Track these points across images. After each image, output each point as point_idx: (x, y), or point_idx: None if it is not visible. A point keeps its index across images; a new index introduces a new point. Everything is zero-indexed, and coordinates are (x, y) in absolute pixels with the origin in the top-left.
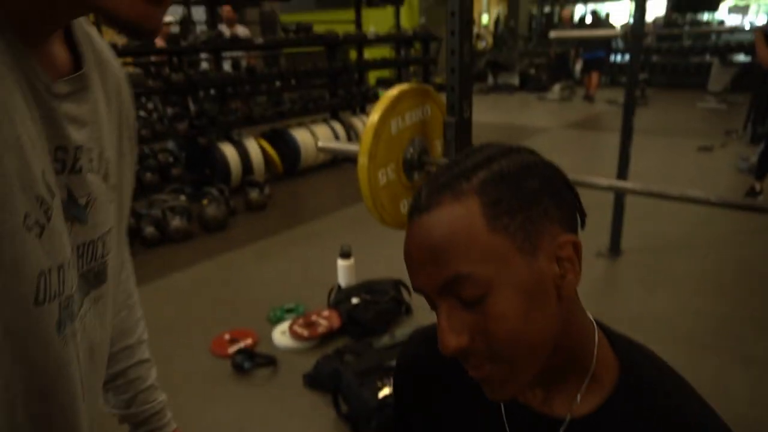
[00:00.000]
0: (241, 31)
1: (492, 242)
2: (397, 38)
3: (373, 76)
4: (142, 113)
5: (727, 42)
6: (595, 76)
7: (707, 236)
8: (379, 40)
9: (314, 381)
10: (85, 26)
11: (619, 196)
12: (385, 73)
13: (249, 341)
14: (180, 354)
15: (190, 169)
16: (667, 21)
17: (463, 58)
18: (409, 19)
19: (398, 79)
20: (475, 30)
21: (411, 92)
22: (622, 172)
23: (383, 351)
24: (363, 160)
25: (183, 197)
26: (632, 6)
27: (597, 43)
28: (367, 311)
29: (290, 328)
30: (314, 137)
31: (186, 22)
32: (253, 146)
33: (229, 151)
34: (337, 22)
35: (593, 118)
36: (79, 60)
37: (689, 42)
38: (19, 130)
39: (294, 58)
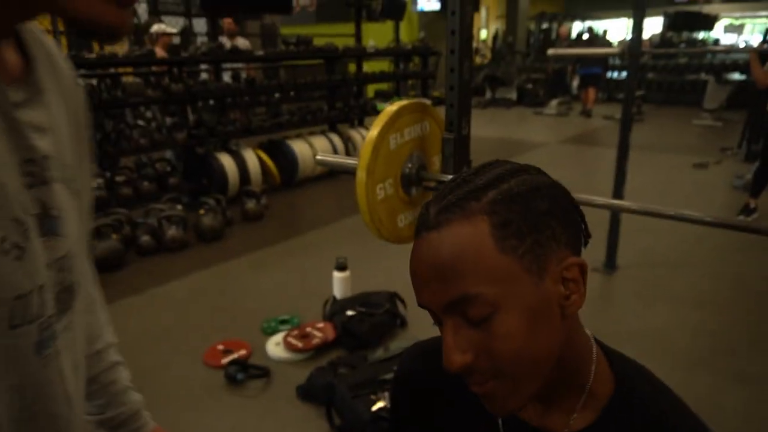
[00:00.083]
0: (242, 43)
1: (500, 263)
2: (396, 52)
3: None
4: (140, 122)
5: (723, 61)
6: (591, 92)
7: (702, 253)
8: (379, 53)
9: (307, 393)
10: (30, 26)
11: (615, 212)
12: (384, 86)
13: (243, 352)
14: (173, 363)
15: (188, 179)
16: (663, 39)
17: (463, 76)
18: (408, 33)
19: (396, 93)
20: (474, 45)
21: (410, 108)
22: (619, 188)
23: (377, 364)
24: (361, 175)
25: (179, 207)
26: (630, 24)
27: (593, 59)
28: (362, 324)
29: (284, 339)
30: (312, 149)
31: (187, 34)
32: (250, 157)
33: (226, 161)
34: (336, 35)
35: (590, 134)
36: (29, 63)
37: (685, 60)
38: None
39: (294, 70)
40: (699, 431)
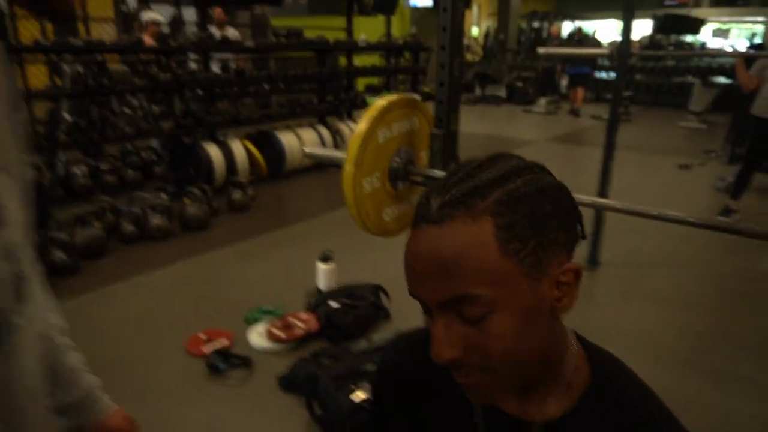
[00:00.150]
0: (232, 33)
1: (502, 266)
2: (387, 47)
3: (361, 83)
4: (126, 110)
5: (709, 64)
6: (580, 91)
7: (684, 252)
8: (370, 48)
9: (289, 383)
10: None
11: (599, 210)
12: (374, 80)
13: (224, 341)
14: (155, 351)
15: (174, 168)
16: (651, 41)
17: (453, 73)
18: (399, 28)
19: (386, 87)
20: (465, 42)
21: (399, 103)
22: (604, 187)
23: (360, 355)
24: (349, 169)
25: (164, 196)
26: (620, 26)
27: (582, 59)
28: (346, 316)
29: (267, 329)
30: (300, 141)
31: (176, 23)
32: (238, 147)
33: (213, 151)
34: (328, 28)
35: (578, 133)
36: None
37: (672, 63)
38: None
39: (284, 62)
40: (671, 424)
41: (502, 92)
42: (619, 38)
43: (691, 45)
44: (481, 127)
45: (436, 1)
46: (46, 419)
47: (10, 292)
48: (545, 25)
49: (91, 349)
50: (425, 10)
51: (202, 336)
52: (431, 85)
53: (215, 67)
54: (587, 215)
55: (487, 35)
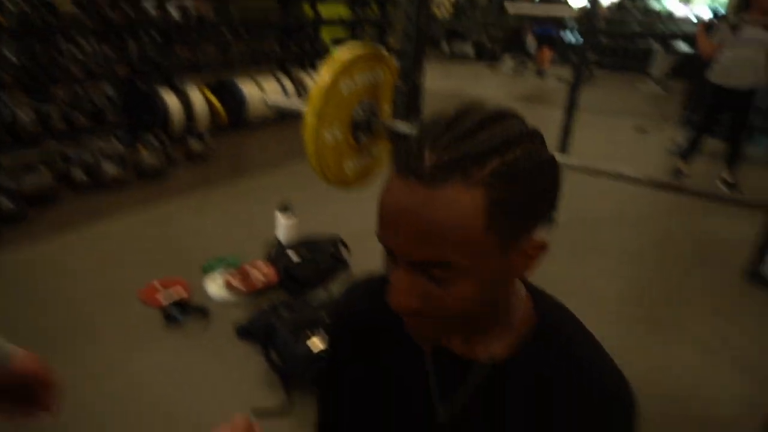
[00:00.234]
0: None
1: (484, 241)
2: None
3: (327, 35)
4: (76, 52)
5: (672, 31)
6: (547, 52)
7: (637, 212)
8: None
9: (247, 333)
10: None
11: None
12: (340, 32)
13: (181, 291)
14: (109, 302)
15: (128, 115)
16: (619, 6)
17: (420, 26)
18: None
19: (353, 39)
20: None
21: (364, 54)
22: (563, 147)
23: (319, 307)
24: (310, 120)
25: (118, 143)
26: None
27: (550, 20)
28: (306, 269)
29: (226, 280)
30: (262, 91)
31: None
32: (196, 95)
33: (170, 98)
34: None
35: (542, 94)
36: None
37: (637, 28)
38: None
39: (246, 9)
40: (604, 362)
41: (470, 50)
42: (587, 3)
43: (657, 12)
44: (447, 84)
45: None
46: None
47: None
48: None
49: (43, 298)
50: None
51: (158, 285)
52: (398, 38)
53: (173, 11)
54: None
55: None
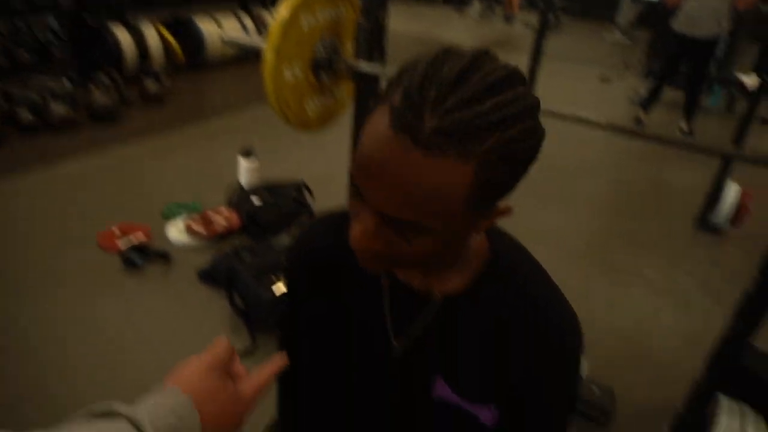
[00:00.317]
0: None
1: (461, 212)
2: None
3: None
4: None
5: None
6: None
7: (595, 161)
8: None
9: (209, 277)
10: None
11: None
12: None
13: (140, 236)
14: (64, 248)
15: (75, 51)
16: None
17: None
18: None
19: None
20: None
21: None
22: None
23: (282, 251)
24: (269, 56)
25: (67, 82)
26: None
27: None
28: (269, 213)
29: (187, 225)
30: (221, 29)
31: None
32: (150, 32)
33: (122, 35)
34: None
35: (509, 40)
36: None
37: None
38: None
39: None
40: (554, 295)
41: None
42: None
43: None
44: (413, 27)
45: None
46: None
47: None
48: None
49: None
50: None
51: (116, 231)
52: None
53: None
54: None
55: None
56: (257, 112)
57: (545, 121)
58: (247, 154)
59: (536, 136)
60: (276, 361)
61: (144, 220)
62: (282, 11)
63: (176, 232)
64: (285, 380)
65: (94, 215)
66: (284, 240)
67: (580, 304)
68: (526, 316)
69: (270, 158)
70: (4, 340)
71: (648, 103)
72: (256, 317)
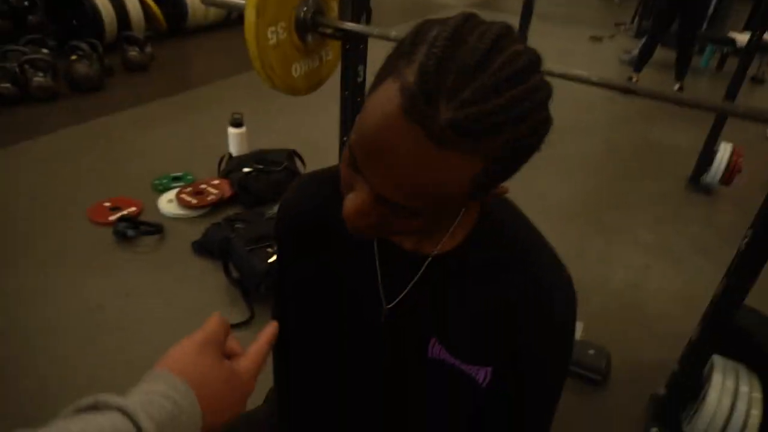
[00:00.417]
0: None
1: (461, 200)
2: None
3: None
4: None
5: None
6: None
7: (588, 121)
8: None
9: (203, 248)
10: None
11: None
12: None
13: (132, 209)
14: (53, 223)
15: (52, 18)
16: None
17: None
18: None
19: None
20: None
21: None
22: None
23: (274, 218)
24: (250, 16)
25: (45, 50)
26: None
27: None
28: (259, 181)
29: (178, 196)
30: None
31: None
32: None
33: (101, 0)
34: None
35: (498, 0)
36: None
37: None
38: None
39: None
40: (544, 250)
41: None
42: None
43: None
44: None
45: None
46: None
47: None
48: None
49: None
50: None
51: (107, 204)
52: None
53: None
54: None
55: None
56: (244, 80)
57: None
58: (236, 123)
59: (547, 126)
60: (269, 331)
61: (134, 193)
62: None
63: (167, 203)
64: (278, 345)
65: (81, 189)
66: (276, 208)
67: (575, 265)
68: (516, 272)
69: (259, 126)
70: None
71: (640, 63)
72: (252, 287)
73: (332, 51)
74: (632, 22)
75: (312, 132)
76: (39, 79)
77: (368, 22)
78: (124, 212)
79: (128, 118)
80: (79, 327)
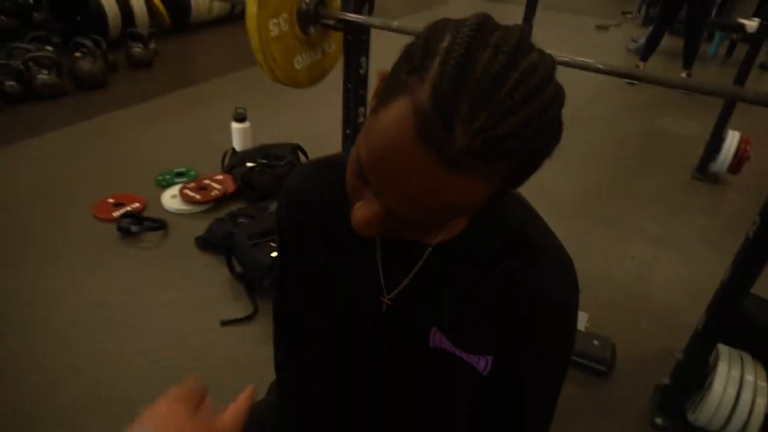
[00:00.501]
0: None
1: (472, 210)
2: None
3: None
4: None
5: None
6: None
7: (593, 112)
8: None
9: (207, 243)
10: None
11: None
12: None
13: (136, 205)
14: (57, 220)
15: (56, 15)
16: None
17: None
18: None
19: None
20: None
21: None
22: None
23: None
24: (252, 8)
25: (50, 48)
26: None
27: None
28: (263, 176)
29: (181, 191)
30: None
31: None
32: None
33: None
34: None
35: None
36: None
37: None
38: None
39: None
40: (550, 239)
41: None
42: None
43: None
44: None
45: None
46: None
47: None
48: None
49: None
50: None
51: (111, 201)
52: None
53: None
54: None
55: None
56: (248, 74)
57: None
58: (240, 118)
59: (560, 135)
60: (247, 392)
61: (138, 189)
62: None
63: (171, 199)
64: (278, 335)
65: (85, 185)
66: None
67: (581, 255)
68: (518, 260)
69: (263, 121)
70: None
71: (647, 51)
72: (255, 282)
73: (335, 43)
74: (639, 10)
75: (315, 125)
76: (43, 76)
77: (371, 12)
78: (128, 208)
79: (132, 114)
80: (83, 323)
